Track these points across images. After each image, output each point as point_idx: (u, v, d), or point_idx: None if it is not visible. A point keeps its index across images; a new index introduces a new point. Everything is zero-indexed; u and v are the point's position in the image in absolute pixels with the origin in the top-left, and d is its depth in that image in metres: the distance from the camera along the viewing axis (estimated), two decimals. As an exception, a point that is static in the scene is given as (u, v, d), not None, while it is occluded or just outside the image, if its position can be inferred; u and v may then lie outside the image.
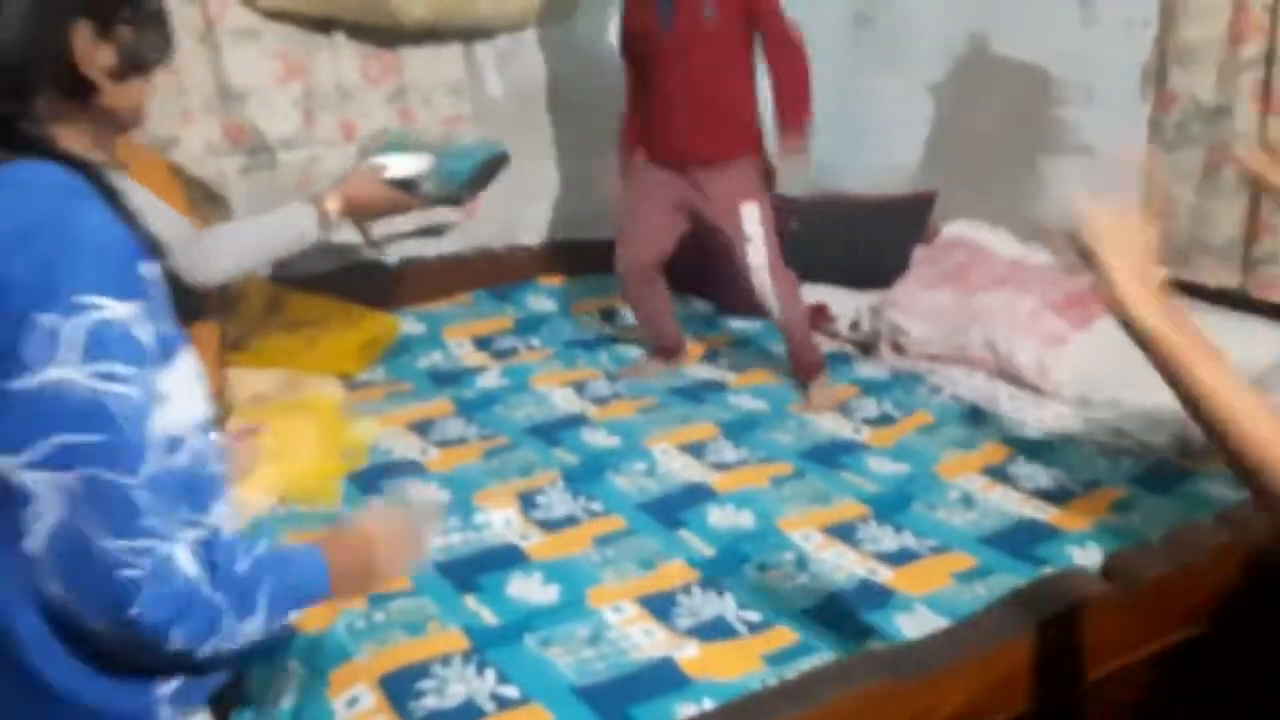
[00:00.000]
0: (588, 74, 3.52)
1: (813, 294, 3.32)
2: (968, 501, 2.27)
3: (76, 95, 0.94)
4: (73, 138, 0.95)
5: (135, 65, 0.98)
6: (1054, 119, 3.10)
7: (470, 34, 3.26)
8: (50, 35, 0.92)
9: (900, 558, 2.06)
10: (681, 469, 2.41)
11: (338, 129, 3.12)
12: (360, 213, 1.64)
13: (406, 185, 1.65)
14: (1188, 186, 2.81)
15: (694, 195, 2.79)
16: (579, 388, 2.87)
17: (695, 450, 2.48)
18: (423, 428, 2.60)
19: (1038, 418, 2.62)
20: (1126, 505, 2.22)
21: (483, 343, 3.19)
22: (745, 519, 2.19)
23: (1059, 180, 3.13)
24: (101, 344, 0.85)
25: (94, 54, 0.94)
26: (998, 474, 2.38)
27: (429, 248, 3.40)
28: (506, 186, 3.53)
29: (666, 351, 3.04)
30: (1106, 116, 2.99)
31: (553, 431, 2.60)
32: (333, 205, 1.58)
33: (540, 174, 3.60)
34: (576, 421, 2.67)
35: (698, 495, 2.28)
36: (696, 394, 2.85)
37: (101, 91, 0.95)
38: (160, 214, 1.38)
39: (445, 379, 2.94)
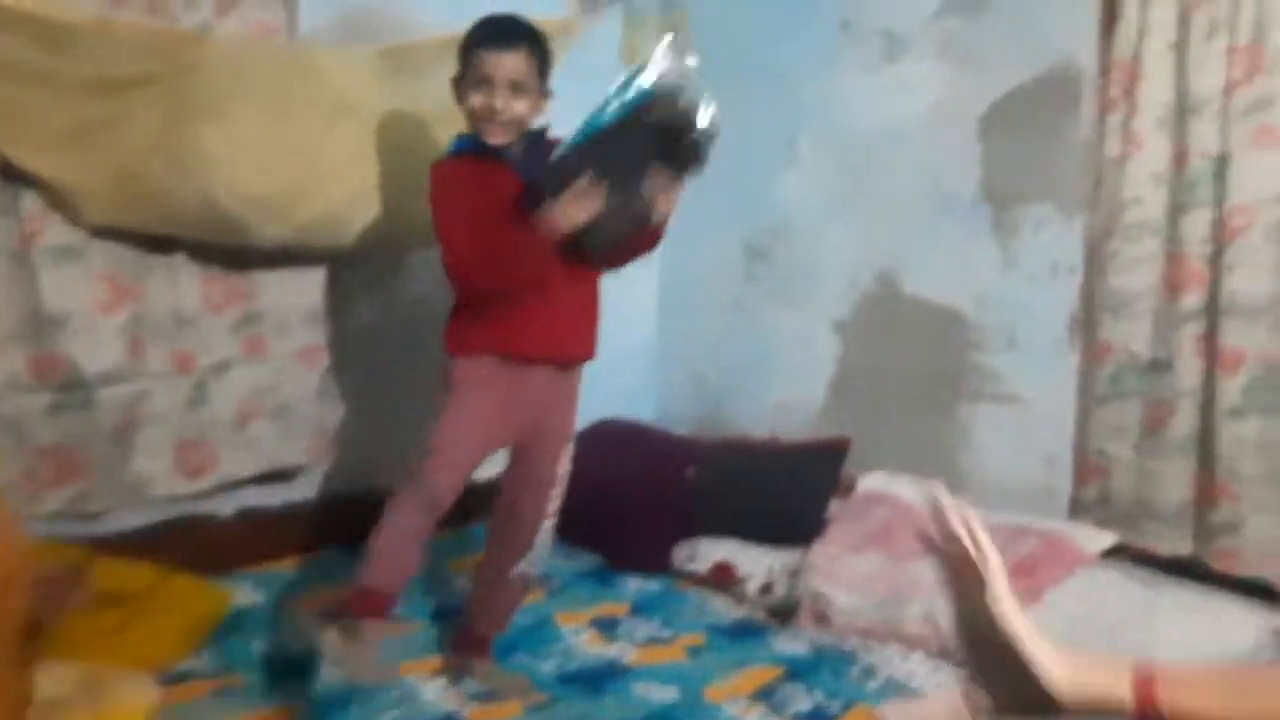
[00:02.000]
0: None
1: (714, 550, 2.96)
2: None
3: None
4: None
5: None
6: (974, 365, 2.89)
7: (337, 256, 2.89)
8: None
9: None
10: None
11: (170, 361, 2.66)
12: None
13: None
14: (1126, 444, 2.59)
15: (542, 403, 2.28)
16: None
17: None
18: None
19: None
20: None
21: (335, 613, 2.67)
22: None
23: (981, 430, 2.90)
24: None
25: None
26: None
27: (271, 495, 2.93)
28: (368, 420, 3.17)
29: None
30: (1031, 364, 2.79)
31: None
32: None
33: (417, 409, 3.18)
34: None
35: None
36: (595, 681, 2.40)
37: None
38: None
39: (289, 668, 2.39)
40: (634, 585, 2.95)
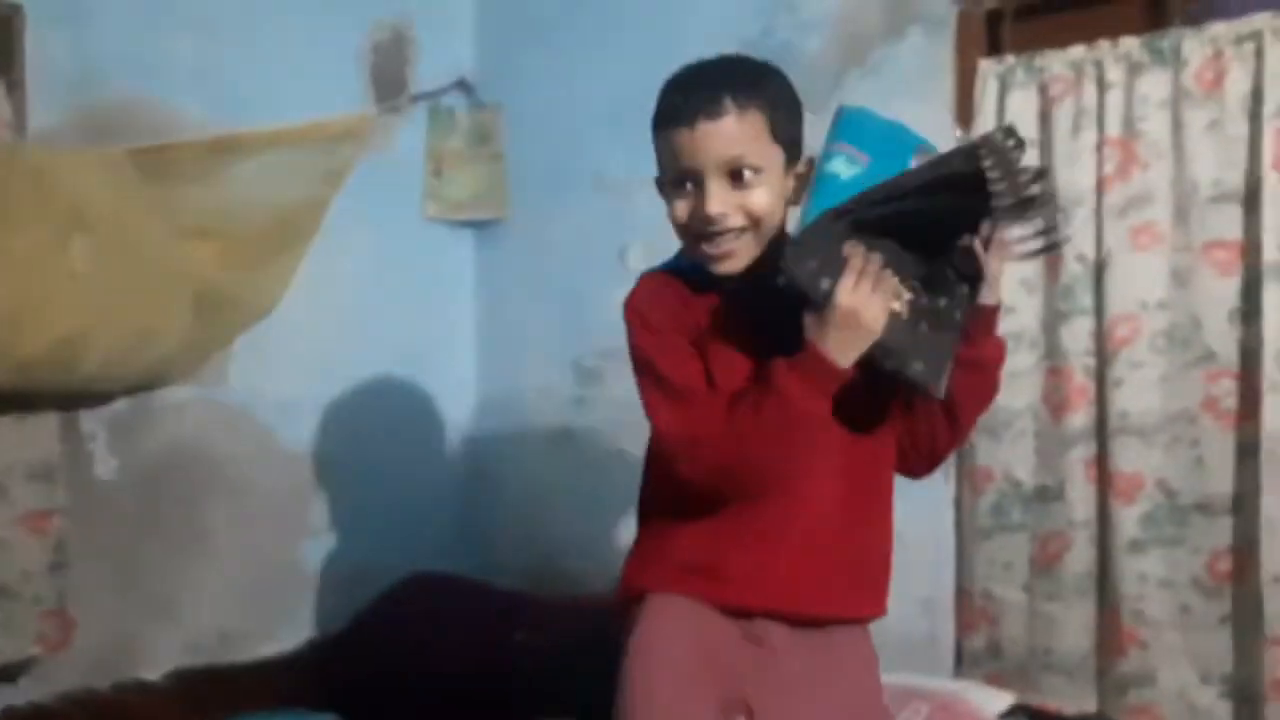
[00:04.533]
0: (247, 446, 2.69)
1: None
2: None
3: None
4: None
5: None
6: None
7: (71, 399, 2.37)
8: None
9: None
10: None
11: None
12: None
13: None
14: (1015, 584, 2.28)
15: (777, 680, 1.44)
16: None
17: None
18: None
19: None
20: None
21: None
22: None
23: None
24: None
25: None
26: None
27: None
28: (118, 597, 2.59)
29: None
30: (901, 496, 2.45)
31: None
32: None
33: (172, 581, 2.64)
34: None
35: None
36: None
37: None
38: None
39: None
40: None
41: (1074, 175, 2.17)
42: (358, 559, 2.97)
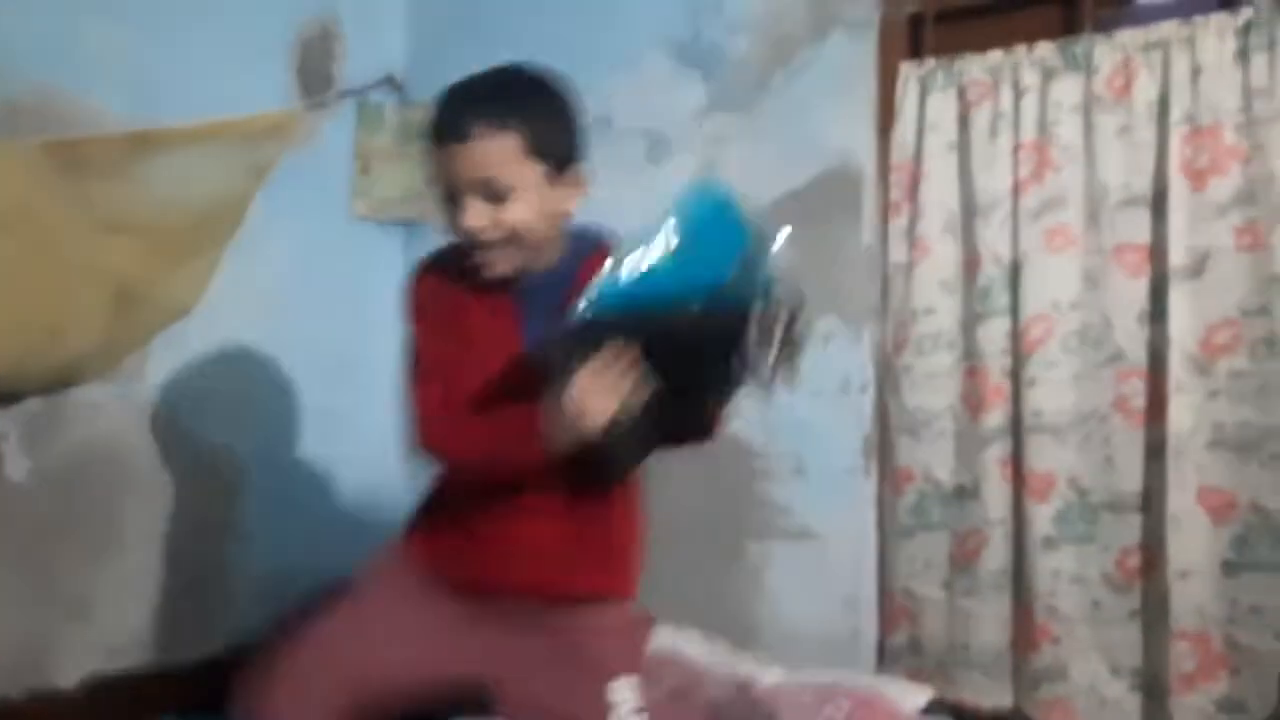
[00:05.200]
0: (165, 446, 2.65)
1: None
2: None
3: None
4: None
5: None
6: (761, 498, 2.57)
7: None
8: None
9: None
10: None
11: None
12: None
13: None
14: (935, 581, 2.31)
15: (511, 652, 1.59)
16: None
17: None
18: None
19: None
20: None
21: None
22: None
23: (774, 572, 2.56)
24: None
25: None
26: None
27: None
28: (30, 601, 2.52)
29: None
30: (823, 494, 2.49)
31: None
32: None
33: (87, 584, 2.58)
34: None
35: None
36: None
37: None
38: None
39: None
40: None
41: (991, 178, 2.21)
42: (282, 563, 2.92)
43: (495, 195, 1.42)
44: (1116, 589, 2.09)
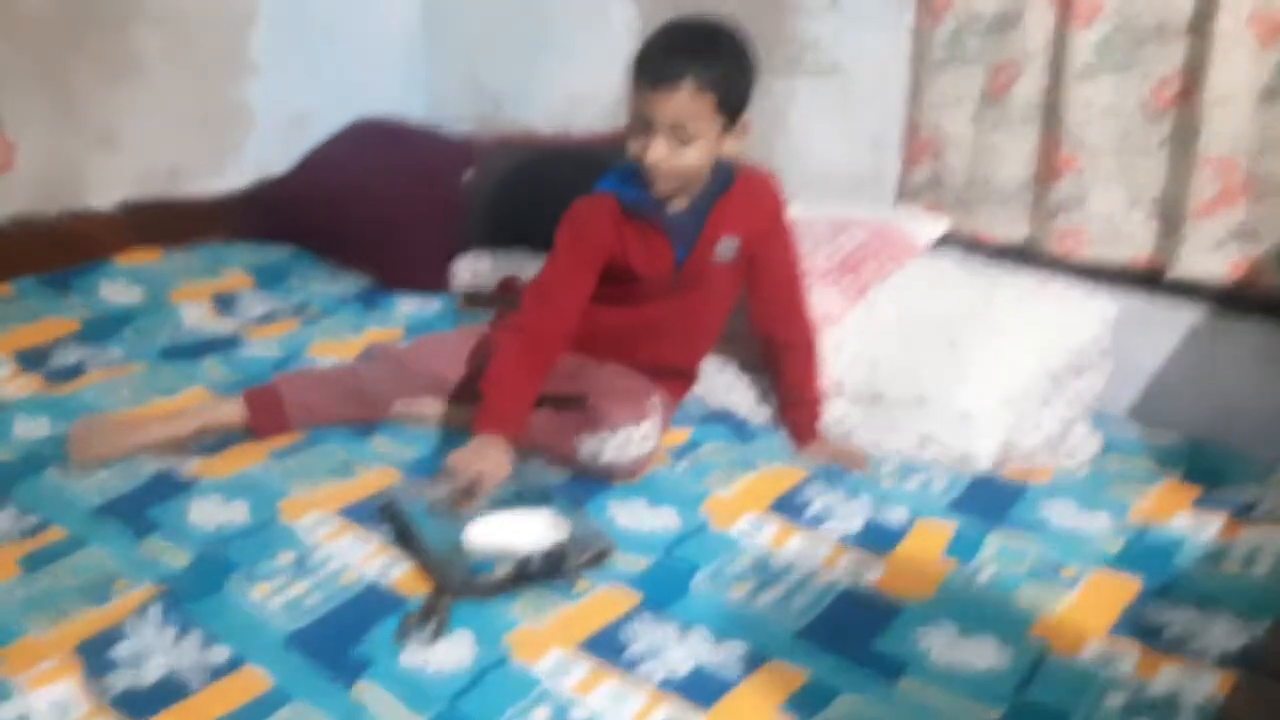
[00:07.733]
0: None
1: (499, 264, 2.58)
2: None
3: None
4: None
5: None
6: (790, 32, 2.48)
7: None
8: None
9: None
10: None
11: None
12: None
13: None
14: (963, 117, 2.27)
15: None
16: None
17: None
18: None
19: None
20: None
21: (31, 358, 2.16)
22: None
23: (800, 110, 2.52)
24: None
25: None
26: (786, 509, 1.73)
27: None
28: (55, 125, 2.53)
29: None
30: (858, 28, 2.40)
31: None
32: None
33: (109, 112, 2.58)
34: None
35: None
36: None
37: None
38: None
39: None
40: (407, 307, 2.54)
41: None
42: (302, 101, 2.91)
43: (681, 138, 1.67)
44: (1149, 117, 2.04)
